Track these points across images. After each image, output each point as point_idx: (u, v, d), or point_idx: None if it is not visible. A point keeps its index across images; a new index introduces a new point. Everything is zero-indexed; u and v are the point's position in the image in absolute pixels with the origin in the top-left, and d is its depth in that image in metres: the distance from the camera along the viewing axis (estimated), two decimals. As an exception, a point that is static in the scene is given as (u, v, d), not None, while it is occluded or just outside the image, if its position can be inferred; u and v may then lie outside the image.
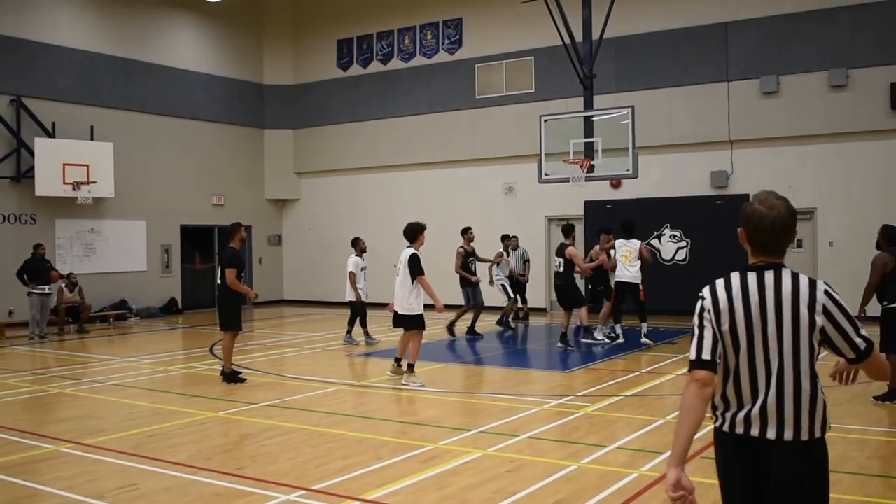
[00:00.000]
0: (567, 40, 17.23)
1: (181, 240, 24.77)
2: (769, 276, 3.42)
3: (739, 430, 3.48)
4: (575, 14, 17.50)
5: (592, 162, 16.46)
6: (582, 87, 17.33)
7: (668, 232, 19.62)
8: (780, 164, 19.77)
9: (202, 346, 16.68)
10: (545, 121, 17.29)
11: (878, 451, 7.72)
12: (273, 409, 10.08)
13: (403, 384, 11.48)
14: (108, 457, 7.86)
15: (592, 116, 16.83)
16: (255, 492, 6.66)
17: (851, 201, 19.00)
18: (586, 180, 16.78)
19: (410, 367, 11.68)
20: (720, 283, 3.49)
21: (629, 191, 21.01)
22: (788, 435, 3.39)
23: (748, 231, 3.54)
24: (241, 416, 9.65)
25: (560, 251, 15.25)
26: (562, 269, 15.13)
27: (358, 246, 16.73)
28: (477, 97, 23.89)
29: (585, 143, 16.59)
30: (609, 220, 21.31)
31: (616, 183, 21.15)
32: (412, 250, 11.77)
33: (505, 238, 19.22)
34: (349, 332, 16.65)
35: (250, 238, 26.68)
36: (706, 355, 3.43)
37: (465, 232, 17.68)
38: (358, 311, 16.57)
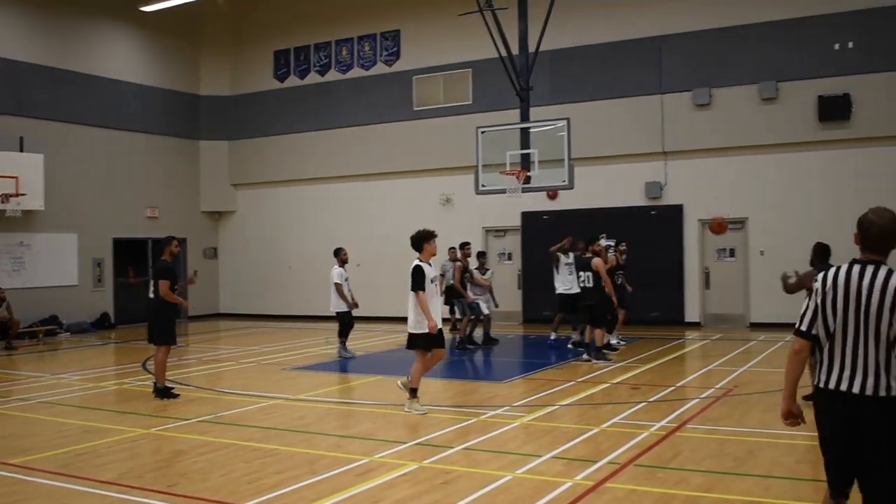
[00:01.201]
0: (504, 53, 17.35)
1: (114, 253, 24.31)
2: (870, 269, 4.36)
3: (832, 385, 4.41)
4: (512, 27, 17.62)
5: (529, 173, 16.58)
6: (519, 99, 17.45)
7: (604, 242, 19.72)
8: (713, 174, 20.13)
9: (135, 361, 16.37)
10: (482, 132, 17.38)
11: (807, 455, 7.84)
12: (206, 424, 9.92)
13: (406, 410, 10.41)
14: (35, 477, 7.65)
15: (529, 128, 16.95)
16: (186, 509, 6.55)
17: (782, 211, 19.40)
18: (523, 191, 16.90)
19: (413, 391, 10.52)
20: (833, 270, 4.49)
21: (565, 202, 21.18)
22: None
23: (861, 234, 4.48)
24: (174, 433, 9.48)
25: (584, 265, 14.81)
26: (590, 283, 14.62)
27: (339, 256, 16.40)
28: (415, 109, 23.91)
29: (522, 155, 16.70)
30: (546, 231, 21.51)
31: (552, 194, 21.31)
32: (415, 262, 10.46)
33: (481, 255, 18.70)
34: (343, 343, 16.31)
35: (185, 251, 26.32)
36: (804, 326, 4.51)
37: (463, 247, 17.50)
38: (347, 321, 16.29)
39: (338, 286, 16.07)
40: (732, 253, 20.24)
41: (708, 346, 16.97)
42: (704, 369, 13.81)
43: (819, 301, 4.45)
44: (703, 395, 11.13)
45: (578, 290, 15.03)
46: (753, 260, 19.75)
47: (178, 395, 11.82)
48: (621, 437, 8.66)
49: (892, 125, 18.41)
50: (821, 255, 10.58)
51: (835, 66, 18.86)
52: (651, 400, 10.90)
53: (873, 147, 18.62)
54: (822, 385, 4.48)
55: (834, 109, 18.72)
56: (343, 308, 16.12)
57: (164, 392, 11.69)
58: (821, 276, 4.53)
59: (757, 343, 16.79)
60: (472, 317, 17.04)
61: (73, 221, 22.95)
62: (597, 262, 14.62)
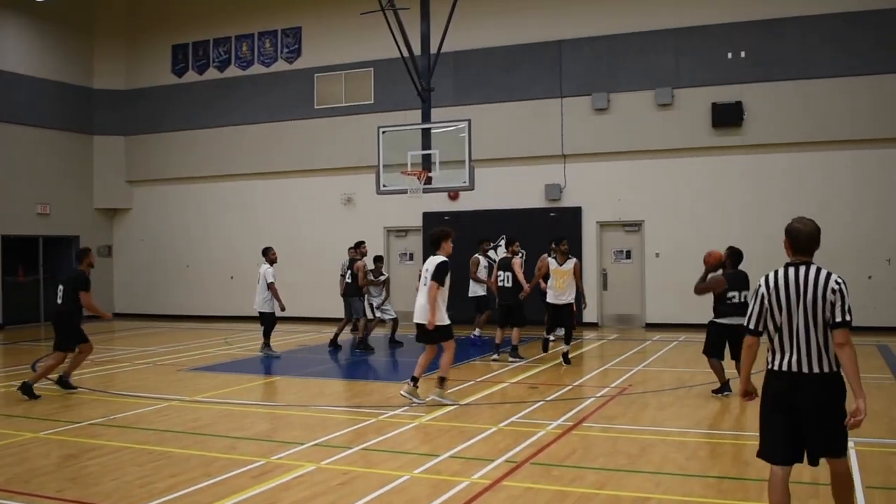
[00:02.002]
0: (406, 53, 17.36)
1: (3, 251, 23.44)
2: (802, 269, 5.21)
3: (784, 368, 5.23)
4: (414, 27, 17.64)
5: (430, 174, 16.62)
6: (420, 99, 17.48)
7: (503, 243, 19.95)
8: (611, 178, 20.54)
9: (24, 363, 15.83)
10: (383, 132, 17.35)
11: (697, 451, 8.08)
12: (98, 427, 9.67)
13: (431, 399, 10.66)
14: (-88, 483, 7.35)
15: (430, 129, 16.99)
16: (75, 514, 6.38)
17: (676, 214, 19.92)
18: (424, 192, 16.93)
19: (442, 380, 10.77)
20: (772, 274, 5.25)
21: (466, 203, 21.32)
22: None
23: (790, 240, 5.29)
24: (64, 436, 9.21)
25: (506, 265, 15.02)
26: (510, 283, 14.87)
27: (269, 255, 16.34)
28: (316, 107, 23.73)
29: (423, 156, 16.73)
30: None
31: (454, 195, 21.44)
32: (441, 257, 10.71)
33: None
34: (267, 343, 16.26)
35: (78, 248, 25.55)
36: (752, 325, 5.32)
37: (359, 246, 17.33)
38: (272, 321, 16.29)
39: (272, 286, 16.06)
40: (629, 255, 20.68)
41: (605, 345, 17.30)
42: (601, 369, 14.09)
43: (764, 301, 5.24)
44: (598, 394, 11.34)
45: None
46: (649, 262, 20.22)
47: (39, 396, 11.51)
48: (518, 436, 8.76)
49: (780, 132, 19.11)
50: (733, 260, 11.18)
51: (728, 75, 19.46)
52: (548, 399, 11.06)
53: (763, 153, 19.29)
54: (774, 368, 5.27)
55: (727, 116, 19.32)
56: (269, 308, 16.15)
57: (28, 390, 11.40)
58: (762, 280, 5.28)
59: (651, 343, 17.19)
60: (371, 318, 16.99)
61: (-42, 217, 22.10)
62: (515, 261, 15.13)
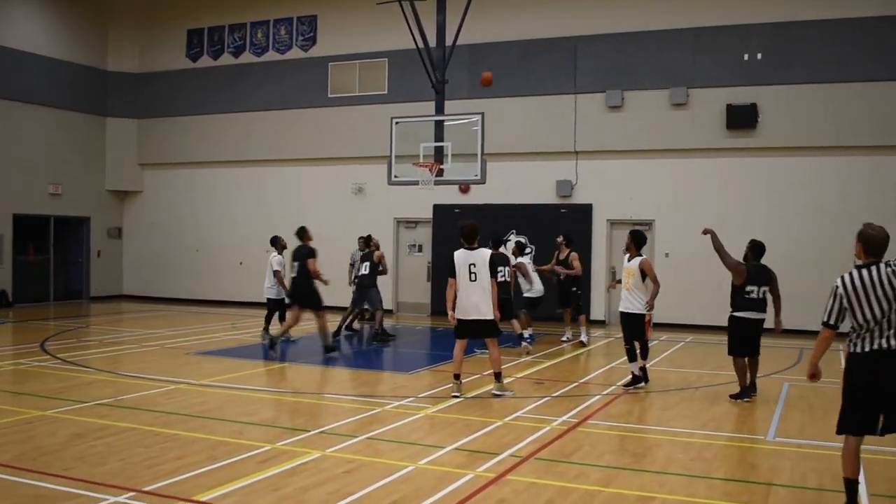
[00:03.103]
0: (421, 44, 17.35)
1: (13, 230, 23.53)
2: (874, 268, 6.06)
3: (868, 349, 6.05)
4: (430, 18, 17.62)
5: (442, 166, 16.61)
6: (434, 91, 17.47)
7: (513, 238, 19.95)
8: (623, 176, 20.50)
9: (33, 341, 15.90)
10: (396, 123, 17.35)
11: (702, 452, 8.08)
12: (106, 407, 9.71)
13: (496, 393, 10.81)
14: (-80, 457, 7.40)
15: (443, 121, 16.98)
16: (82, 493, 6.40)
17: (687, 215, 19.85)
18: (435, 184, 16.93)
19: (497, 375, 10.94)
20: (847, 276, 6.10)
21: (477, 196, 21.30)
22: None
23: (864, 244, 6.14)
24: (72, 416, 9.25)
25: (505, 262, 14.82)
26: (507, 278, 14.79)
27: (279, 244, 16.67)
28: (329, 96, 23.73)
29: (436, 147, 16.73)
30: (457, 224, 21.56)
31: (465, 188, 21.43)
32: (488, 251, 10.91)
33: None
34: (266, 329, 16.52)
35: (88, 230, 25.70)
36: (831, 320, 6.18)
37: (371, 239, 17.36)
38: (278, 307, 16.56)
39: (278, 273, 16.30)
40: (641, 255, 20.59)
41: (612, 343, 17.27)
42: (607, 366, 14.08)
43: (843, 300, 6.09)
44: (605, 392, 11.35)
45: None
46: (658, 262, 20.14)
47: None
48: (524, 431, 8.77)
49: (794, 136, 19.03)
50: (757, 253, 11.30)
51: (744, 76, 19.39)
52: (554, 395, 11.07)
53: (777, 156, 19.22)
54: (858, 351, 6.07)
55: (741, 118, 19.24)
56: (275, 295, 16.45)
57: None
58: (839, 281, 6.11)
59: (659, 343, 17.17)
60: (382, 309, 16.98)
61: (-31, 195, 22.20)
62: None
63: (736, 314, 10.98)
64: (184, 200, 25.92)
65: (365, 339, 17.14)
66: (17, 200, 23.50)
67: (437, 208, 21.97)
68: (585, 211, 20.78)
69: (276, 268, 16.33)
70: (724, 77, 19.58)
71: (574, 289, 16.29)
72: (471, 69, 21.46)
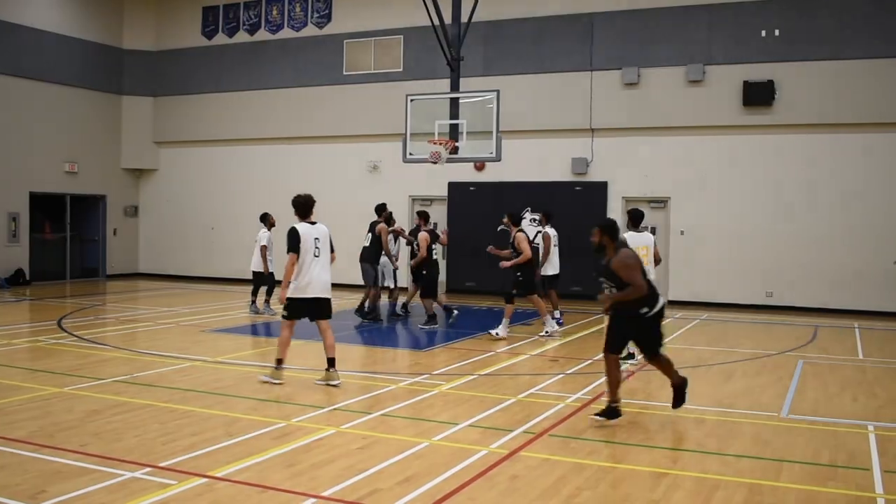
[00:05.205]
0: (436, 21, 17.26)
1: (30, 208, 23.67)
2: None
3: None
4: (445, -5, 17.52)
5: (457, 144, 16.57)
6: (449, 68, 17.40)
7: (528, 216, 19.92)
8: (638, 153, 20.43)
9: (49, 318, 16.03)
10: (412, 100, 17.28)
11: (715, 429, 8.08)
12: (121, 384, 9.79)
13: (264, 380, 10.09)
14: (-60, 432, 7.48)
15: (458, 98, 16.92)
16: (99, 469, 6.45)
17: (703, 192, 19.79)
18: (450, 161, 16.88)
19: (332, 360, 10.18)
20: None
21: (492, 174, 21.28)
22: None
23: None
24: (88, 392, 9.33)
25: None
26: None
27: (268, 221, 17.24)
28: (344, 73, 23.69)
29: (451, 125, 16.67)
30: (472, 201, 21.60)
31: (480, 165, 21.41)
32: (323, 226, 10.28)
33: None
34: (254, 301, 17.30)
35: (105, 208, 25.82)
36: None
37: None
38: (266, 281, 17.14)
39: (264, 248, 16.88)
40: (654, 231, 20.46)
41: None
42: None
43: None
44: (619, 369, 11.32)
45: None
46: (674, 239, 20.12)
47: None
48: (537, 408, 8.80)
49: (811, 113, 18.90)
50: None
51: (761, 53, 19.24)
52: (568, 372, 11.08)
53: (794, 133, 19.10)
54: None
55: (758, 95, 19.11)
56: (261, 268, 17.01)
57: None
58: None
59: (673, 321, 17.13)
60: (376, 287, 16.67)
61: (-13, 173, 22.32)
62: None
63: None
64: (199, 178, 25.99)
65: (386, 316, 16.99)
66: (34, 179, 23.62)
67: (453, 186, 21.95)
68: (601, 188, 20.71)
69: (263, 242, 17.00)
70: (741, 54, 19.43)
71: (518, 274, 14.27)
72: (486, 46, 21.40)
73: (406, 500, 5.86)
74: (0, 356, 11.82)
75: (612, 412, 8.16)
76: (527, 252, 14.10)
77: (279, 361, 10.09)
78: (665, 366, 8.43)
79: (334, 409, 8.68)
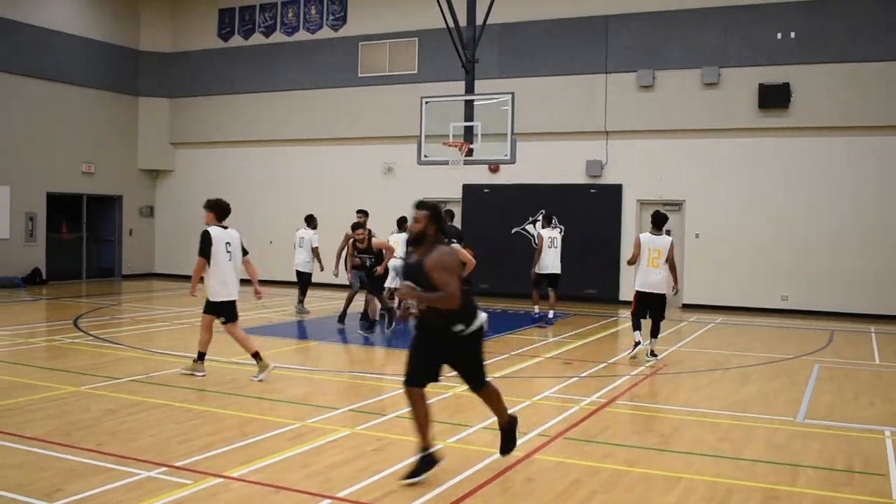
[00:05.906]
0: (451, 24, 17.29)
1: (47, 208, 23.82)
2: None
3: None
4: (460, -3, 17.55)
5: (472, 146, 16.59)
6: (464, 71, 17.43)
7: (541, 218, 19.92)
8: (653, 156, 20.38)
9: (66, 318, 16.12)
10: (426, 102, 17.32)
11: (729, 433, 8.06)
12: (137, 384, 9.84)
13: (186, 372, 10.51)
14: (-42, 430, 7.54)
15: (473, 101, 16.94)
16: (115, 468, 6.49)
17: (718, 195, 19.74)
18: (465, 164, 16.91)
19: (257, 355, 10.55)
20: None
21: (507, 176, 21.28)
22: None
23: None
24: (104, 391, 9.39)
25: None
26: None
27: (314, 222, 17.90)
28: (359, 75, 23.74)
29: (465, 127, 16.70)
30: (487, 203, 21.61)
31: (494, 168, 21.40)
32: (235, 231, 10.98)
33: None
34: (301, 301, 17.55)
35: (121, 208, 25.96)
36: None
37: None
38: (308, 282, 17.65)
39: (316, 249, 17.48)
40: (668, 234, 20.49)
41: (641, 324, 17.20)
42: (636, 347, 14.01)
43: None
44: (633, 373, 11.33)
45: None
46: (689, 242, 20.07)
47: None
48: (551, 411, 8.79)
49: (827, 116, 18.82)
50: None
51: (776, 55, 19.17)
52: (582, 375, 11.08)
53: (810, 136, 19.03)
54: None
55: (774, 98, 19.04)
56: (310, 269, 17.58)
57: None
58: None
59: (688, 324, 17.11)
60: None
61: (4, 175, 22.45)
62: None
63: None
64: (215, 179, 26.05)
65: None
66: (51, 179, 23.77)
67: (467, 188, 21.97)
68: (615, 191, 20.68)
69: (315, 244, 17.52)
70: (756, 56, 19.37)
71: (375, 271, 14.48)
72: (501, 48, 21.41)
73: (420, 502, 5.88)
74: (17, 355, 11.90)
75: (425, 464, 6.40)
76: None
77: (202, 356, 10.55)
78: (494, 400, 6.95)
79: (349, 410, 8.70)
